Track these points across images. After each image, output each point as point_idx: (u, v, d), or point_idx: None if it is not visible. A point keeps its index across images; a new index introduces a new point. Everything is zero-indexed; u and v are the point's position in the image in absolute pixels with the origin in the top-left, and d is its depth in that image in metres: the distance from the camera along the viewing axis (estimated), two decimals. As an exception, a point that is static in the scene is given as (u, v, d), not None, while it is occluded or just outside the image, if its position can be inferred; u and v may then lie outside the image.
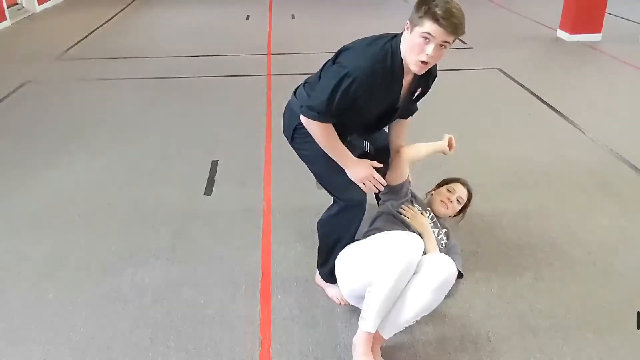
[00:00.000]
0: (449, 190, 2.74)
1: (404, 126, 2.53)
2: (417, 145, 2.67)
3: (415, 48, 2.01)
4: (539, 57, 6.44)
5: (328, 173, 2.36)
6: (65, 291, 2.56)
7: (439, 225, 2.63)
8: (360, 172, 2.26)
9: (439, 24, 1.93)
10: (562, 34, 7.14)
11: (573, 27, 6.92)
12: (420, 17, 1.96)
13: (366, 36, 2.21)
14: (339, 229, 2.37)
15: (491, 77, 5.63)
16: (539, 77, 5.57)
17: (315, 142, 2.24)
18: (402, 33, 2.10)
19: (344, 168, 2.27)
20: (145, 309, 2.44)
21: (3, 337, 2.29)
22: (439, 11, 1.92)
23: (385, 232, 2.27)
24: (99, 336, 2.29)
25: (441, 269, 2.05)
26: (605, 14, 6.94)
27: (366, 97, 2.09)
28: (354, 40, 2.23)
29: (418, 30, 1.97)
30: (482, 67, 5.99)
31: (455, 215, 2.79)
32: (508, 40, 7.03)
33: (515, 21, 8.23)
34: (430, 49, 1.98)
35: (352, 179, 2.28)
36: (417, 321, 2.12)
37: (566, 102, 4.89)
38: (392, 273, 1.99)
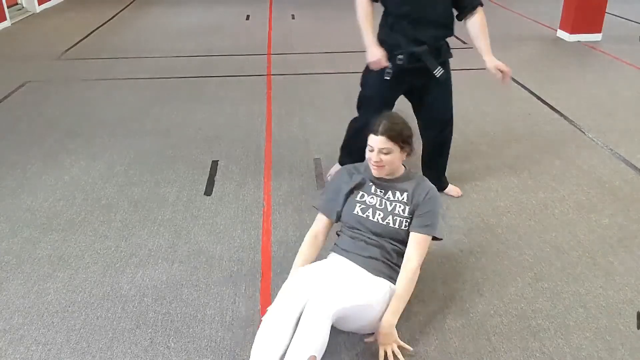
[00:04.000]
0: (369, 151, 2.32)
1: (481, 22, 3.21)
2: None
3: None
4: (539, 57, 6.44)
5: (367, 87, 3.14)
6: (65, 291, 2.56)
7: (389, 191, 2.33)
8: (374, 54, 2.85)
9: None
10: (562, 34, 7.14)
11: (573, 27, 6.91)
12: None
13: None
14: (356, 122, 3.25)
15: (491, 77, 5.61)
16: (539, 77, 5.57)
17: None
18: None
19: (366, 46, 2.89)
20: (145, 309, 2.44)
21: (3, 337, 2.29)
22: None
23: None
24: (99, 336, 2.29)
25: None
26: (605, 14, 6.94)
27: None
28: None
29: None
30: (482, 67, 5.97)
31: (405, 157, 2.37)
32: (508, 40, 7.02)
33: (515, 21, 8.23)
34: None
35: (367, 57, 2.89)
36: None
37: (566, 102, 4.89)
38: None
